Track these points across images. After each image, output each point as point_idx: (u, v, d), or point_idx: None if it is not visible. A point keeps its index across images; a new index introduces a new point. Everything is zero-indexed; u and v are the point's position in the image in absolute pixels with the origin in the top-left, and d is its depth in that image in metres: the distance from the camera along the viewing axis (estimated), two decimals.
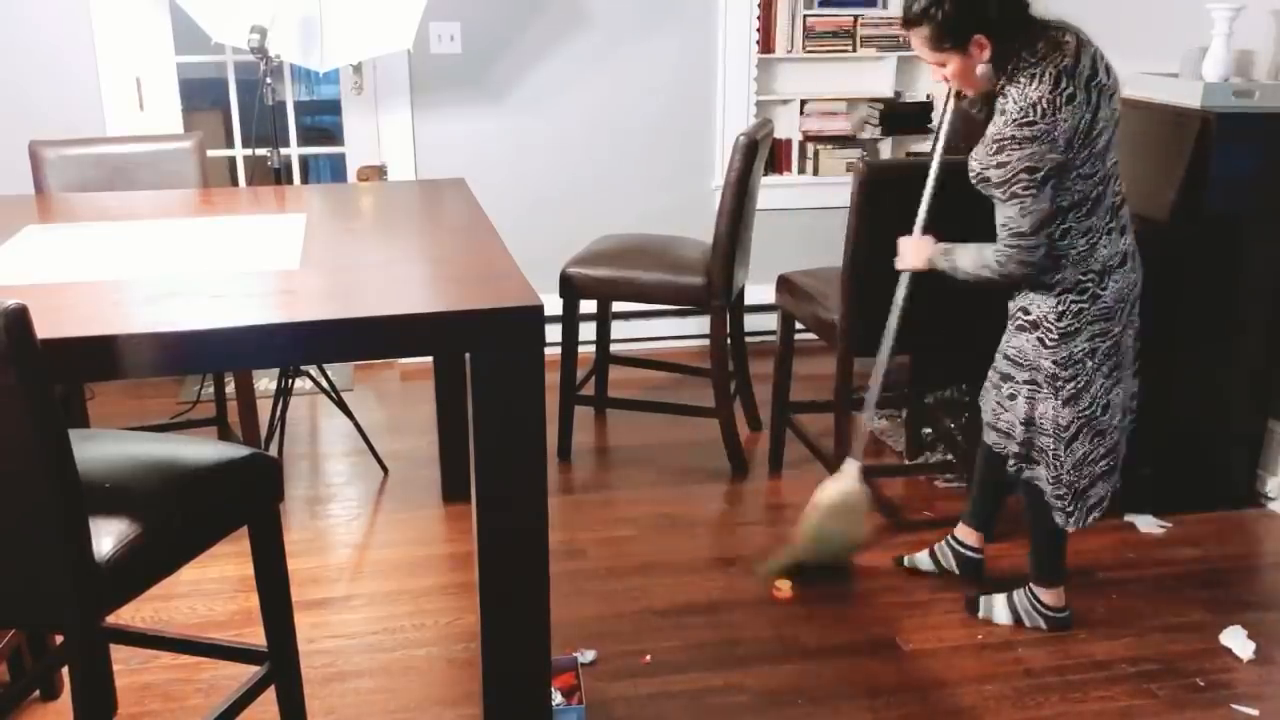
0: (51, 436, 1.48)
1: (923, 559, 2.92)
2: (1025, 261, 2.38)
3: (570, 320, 3.52)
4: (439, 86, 4.31)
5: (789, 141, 4.67)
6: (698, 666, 2.52)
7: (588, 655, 2.55)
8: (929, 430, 3.70)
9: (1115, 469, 2.55)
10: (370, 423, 3.77)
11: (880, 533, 3.09)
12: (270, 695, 2.03)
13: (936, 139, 2.68)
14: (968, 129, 2.62)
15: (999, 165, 2.34)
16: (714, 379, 3.51)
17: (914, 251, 2.65)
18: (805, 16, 4.54)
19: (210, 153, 3.63)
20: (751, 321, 4.05)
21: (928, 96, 4.69)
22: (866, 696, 2.42)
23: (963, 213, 2.54)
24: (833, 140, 4.72)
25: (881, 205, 2.83)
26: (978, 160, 2.41)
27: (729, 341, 3.62)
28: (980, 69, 2.38)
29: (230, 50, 4.13)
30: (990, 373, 2.65)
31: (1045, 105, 2.27)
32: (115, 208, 2.74)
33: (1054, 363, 2.46)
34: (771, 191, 4.38)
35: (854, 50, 4.61)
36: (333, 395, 3.57)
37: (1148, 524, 3.17)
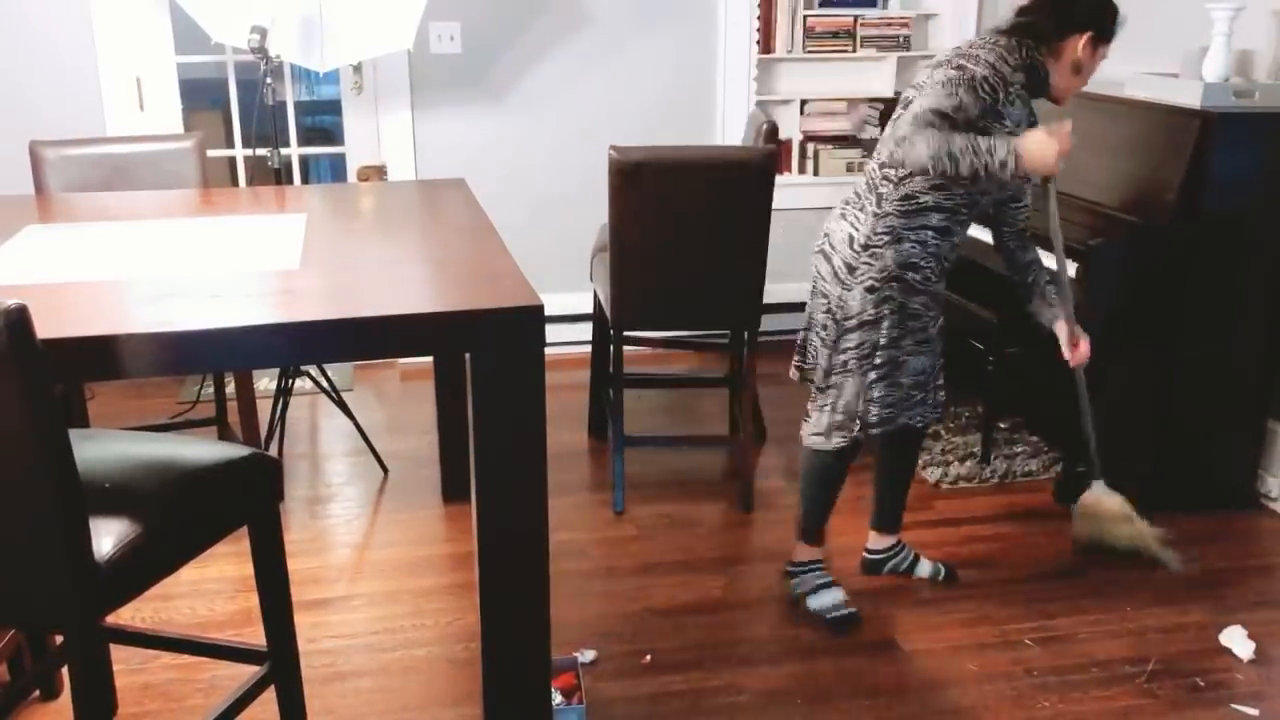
0: (51, 436, 1.48)
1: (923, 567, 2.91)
2: None
3: (601, 308, 3.51)
4: (439, 86, 4.31)
5: (789, 142, 4.67)
6: (698, 666, 2.52)
7: (588, 655, 2.55)
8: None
9: None
10: (370, 423, 3.77)
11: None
12: (270, 695, 2.03)
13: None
14: None
15: None
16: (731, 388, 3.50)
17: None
18: (805, 17, 4.54)
19: (210, 153, 3.63)
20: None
21: None
22: (866, 696, 2.42)
23: None
24: (833, 140, 4.72)
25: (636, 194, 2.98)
26: None
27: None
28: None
29: (230, 50, 4.13)
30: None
31: None
32: (115, 208, 2.74)
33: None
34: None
35: (854, 50, 4.61)
36: (333, 395, 3.57)
37: None
